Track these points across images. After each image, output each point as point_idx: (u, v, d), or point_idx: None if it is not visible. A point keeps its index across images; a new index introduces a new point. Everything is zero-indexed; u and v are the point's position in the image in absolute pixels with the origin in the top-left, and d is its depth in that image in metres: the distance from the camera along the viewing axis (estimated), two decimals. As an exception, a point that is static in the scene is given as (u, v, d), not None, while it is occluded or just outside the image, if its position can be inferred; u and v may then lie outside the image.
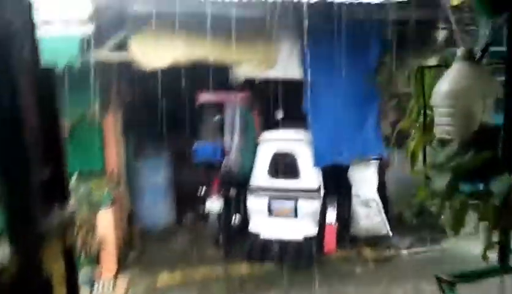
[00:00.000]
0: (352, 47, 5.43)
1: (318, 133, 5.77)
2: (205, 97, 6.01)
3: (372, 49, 5.81)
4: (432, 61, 5.88)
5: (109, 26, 5.37)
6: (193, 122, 6.21)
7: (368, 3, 5.27)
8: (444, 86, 1.72)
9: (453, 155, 1.63)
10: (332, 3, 5.14)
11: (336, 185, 5.96)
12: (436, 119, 1.80)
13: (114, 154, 5.89)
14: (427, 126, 1.95)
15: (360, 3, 5.25)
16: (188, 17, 5.04)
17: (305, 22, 5.36)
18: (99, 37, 5.21)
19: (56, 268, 1.61)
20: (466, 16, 5.23)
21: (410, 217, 5.90)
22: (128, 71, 5.86)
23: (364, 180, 5.95)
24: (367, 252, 5.94)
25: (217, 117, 6.22)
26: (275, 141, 5.93)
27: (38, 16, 1.54)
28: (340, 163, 5.84)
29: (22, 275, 1.24)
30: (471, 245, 6.00)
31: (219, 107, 6.06)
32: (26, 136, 1.34)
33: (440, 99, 1.72)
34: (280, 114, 6.54)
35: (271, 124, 6.34)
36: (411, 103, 2.21)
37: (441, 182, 1.65)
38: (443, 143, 1.76)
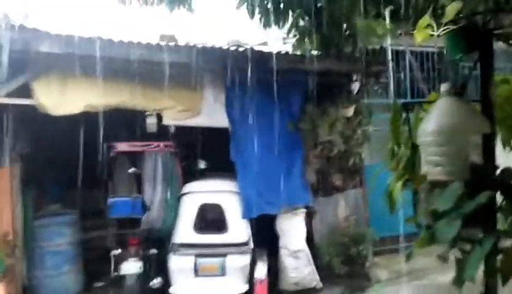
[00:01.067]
0: (276, 95, 5.46)
1: (245, 182, 5.55)
2: (121, 146, 5.48)
3: (295, 98, 5.91)
4: (350, 110, 6.21)
5: (9, 68, 4.70)
6: (108, 174, 5.59)
7: (294, 54, 5.40)
8: (431, 123, 1.62)
9: (459, 199, 1.49)
10: (258, 51, 5.16)
11: (264, 237, 5.71)
12: (424, 159, 1.67)
13: (9, 213, 4.97)
14: (406, 166, 1.82)
15: (286, 54, 5.36)
16: (105, 60, 4.64)
17: (230, 70, 5.30)
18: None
19: None
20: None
21: (339, 265, 5.83)
22: (28, 119, 5.13)
23: (292, 231, 5.79)
24: (296, 309, 5.70)
25: (132, 169, 5.69)
26: (201, 192, 5.54)
27: None
28: (269, 213, 5.64)
29: None
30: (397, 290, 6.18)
31: (138, 157, 5.55)
32: None
33: (427, 137, 1.61)
34: (202, 164, 6.23)
35: (195, 174, 5.97)
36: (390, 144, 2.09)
37: (450, 230, 1.48)
38: (434, 185, 1.62)
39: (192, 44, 5.53)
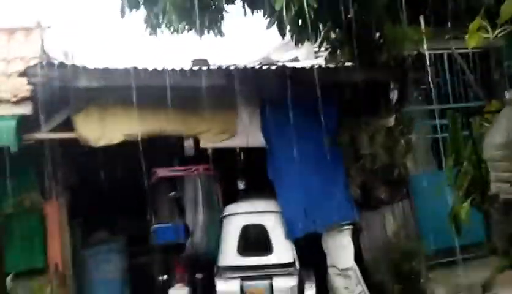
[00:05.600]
0: (312, 111, 5.33)
1: (287, 202, 5.42)
2: (162, 172, 5.53)
3: (331, 112, 5.73)
4: (391, 120, 5.98)
5: (50, 104, 4.89)
6: (151, 201, 5.64)
7: (327, 68, 5.30)
8: (499, 135, 1.45)
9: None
10: (291, 68, 5.09)
11: (311, 256, 5.53)
12: (494, 175, 1.50)
13: (58, 245, 5.11)
14: (473, 183, 1.65)
15: (319, 67, 5.26)
16: (141, 89, 4.73)
17: (264, 89, 5.27)
18: (39, 117, 4.71)
19: None
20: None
21: (392, 283, 5.54)
22: (73, 152, 5.30)
23: (340, 249, 5.57)
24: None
25: (172, 193, 5.72)
26: (242, 214, 5.46)
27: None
28: (314, 231, 5.46)
29: None
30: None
31: (179, 182, 5.58)
32: None
33: (495, 151, 1.44)
34: (242, 185, 6.16)
35: (235, 195, 5.91)
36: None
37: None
38: (509, 204, 1.46)
39: (224, 66, 5.56)
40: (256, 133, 5.55)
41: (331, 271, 5.61)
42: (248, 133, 5.51)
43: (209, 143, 5.47)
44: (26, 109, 4.80)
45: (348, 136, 5.82)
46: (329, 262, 5.61)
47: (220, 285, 5.13)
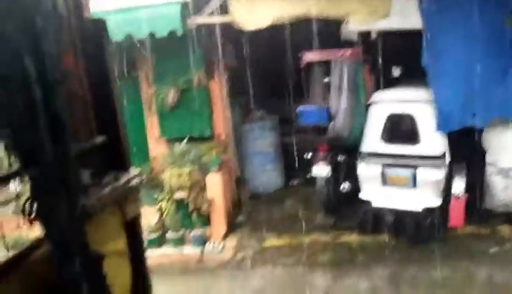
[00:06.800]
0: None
1: (443, 91, 4.91)
2: (310, 56, 5.60)
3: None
4: None
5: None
6: (299, 84, 5.88)
7: None
8: None
9: None
10: None
11: (466, 151, 5.09)
12: None
13: (221, 119, 5.93)
14: None
15: None
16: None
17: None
18: (199, 2, 5.16)
19: (112, 243, 1.49)
20: None
21: None
22: (231, 34, 5.75)
23: (502, 146, 4.95)
24: (505, 230, 5.04)
25: (326, 79, 5.79)
26: (390, 102, 5.25)
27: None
28: (472, 126, 4.93)
29: (59, 252, 1.10)
30: None
31: (326, 66, 5.59)
32: (63, 102, 1.16)
33: None
34: (397, 71, 5.79)
35: (384, 82, 5.64)
36: None
37: None
38: None
39: None
40: (413, 12, 4.95)
41: (489, 169, 5.11)
42: (403, 13, 4.96)
43: (359, 24, 5.15)
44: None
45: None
46: (488, 160, 5.09)
47: (361, 168, 5.28)
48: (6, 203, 4.27)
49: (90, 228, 1.19)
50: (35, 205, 1.08)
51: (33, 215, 1.08)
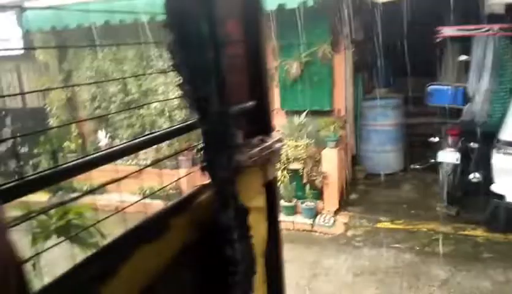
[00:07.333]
0: None
1: None
2: (448, 30, 5.10)
3: None
4: None
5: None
6: (429, 61, 5.43)
7: None
8: None
9: None
10: None
11: None
12: None
13: (343, 94, 5.81)
14: None
15: None
16: None
17: None
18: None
19: (254, 199, 1.61)
20: None
21: None
22: (360, 7, 5.52)
23: None
24: None
25: (461, 57, 5.26)
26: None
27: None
28: None
29: (219, 201, 1.25)
30: None
31: (464, 43, 5.06)
32: (224, 66, 1.28)
33: None
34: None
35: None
36: None
37: None
38: None
39: None
40: None
41: None
42: None
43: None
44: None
45: None
46: None
47: (497, 159, 4.74)
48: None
49: (240, 184, 1.31)
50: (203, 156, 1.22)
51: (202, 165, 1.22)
